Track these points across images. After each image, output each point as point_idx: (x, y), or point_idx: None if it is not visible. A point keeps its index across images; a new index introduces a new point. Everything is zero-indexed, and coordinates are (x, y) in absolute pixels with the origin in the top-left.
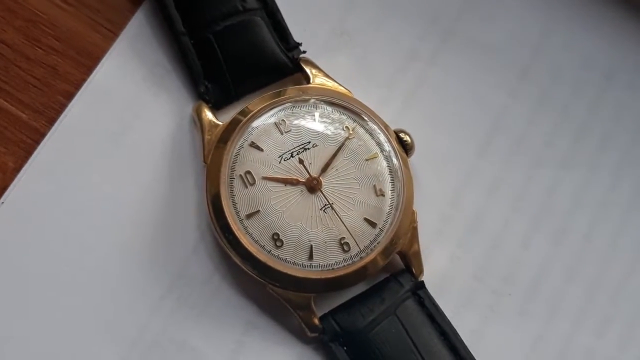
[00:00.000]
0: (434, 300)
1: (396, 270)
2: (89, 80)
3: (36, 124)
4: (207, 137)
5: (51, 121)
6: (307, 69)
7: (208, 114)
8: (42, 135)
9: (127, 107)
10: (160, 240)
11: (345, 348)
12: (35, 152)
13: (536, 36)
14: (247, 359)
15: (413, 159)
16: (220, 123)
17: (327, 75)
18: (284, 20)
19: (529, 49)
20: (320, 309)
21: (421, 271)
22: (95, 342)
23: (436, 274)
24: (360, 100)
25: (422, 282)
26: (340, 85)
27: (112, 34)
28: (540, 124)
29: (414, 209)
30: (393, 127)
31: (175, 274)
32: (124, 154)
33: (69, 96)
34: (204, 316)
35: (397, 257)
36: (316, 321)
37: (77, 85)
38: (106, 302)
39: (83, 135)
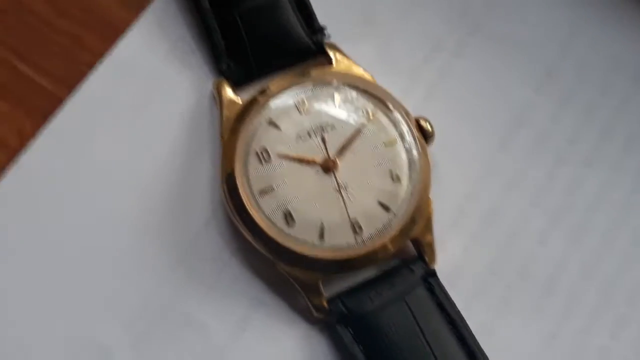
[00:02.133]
0: (445, 289)
1: (408, 257)
2: (112, 52)
3: (57, 92)
4: (225, 113)
5: (72, 90)
6: (331, 53)
7: (228, 91)
8: (62, 102)
9: (148, 80)
10: (172, 213)
11: (351, 330)
12: (54, 119)
13: (565, 35)
14: (252, 334)
15: (433, 149)
16: (240, 101)
17: (349, 60)
18: (310, 4)
19: (557, 47)
20: (329, 291)
21: (434, 260)
22: (101, 311)
23: (449, 264)
24: (382, 85)
25: (434, 270)
26: (362, 69)
27: (138, 8)
28: (565, 122)
29: (429, 197)
30: (414, 115)
31: (186, 248)
32: (142, 126)
33: (92, 67)
34: (212, 291)
35: (410, 245)
36: (323, 302)
37: (101, 57)
38: (114, 271)
39: (102, 105)
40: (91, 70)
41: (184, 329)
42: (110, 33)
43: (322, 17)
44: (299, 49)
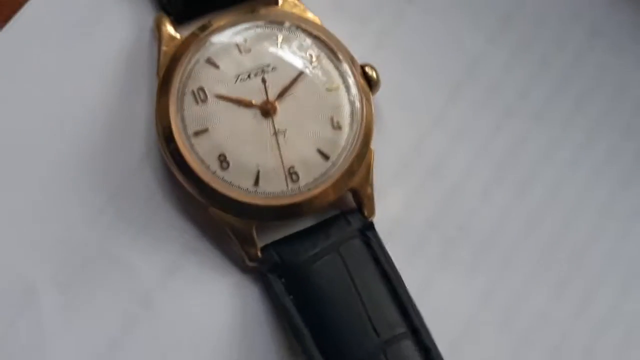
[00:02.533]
0: (382, 243)
1: (347, 208)
2: None
3: None
4: (164, 49)
5: (7, 19)
6: None
7: (168, 27)
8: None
9: (87, 11)
10: (105, 151)
11: (283, 280)
12: None
13: None
14: (182, 280)
15: (380, 99)
16: (179, 37)
17: (300, 1)
18: None
19: None
20: (263, 239)
21: (372, 212)
22: (29, 250)
23: (389, 217)
24: (330, 30)
25: (372, 222)
26: (310, 11)
27: None
28: (517, 73)
29: (371, 147)
30: (360, 62)
31: (117, 187)
32: (79, 59)
33: None
34: (142, 234)
35: (350, 195)
36: (256, 250)
37: None
38: (44, 210)
39: (39, 35)
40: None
41: (112, 271)
42: None
43: None
44: None
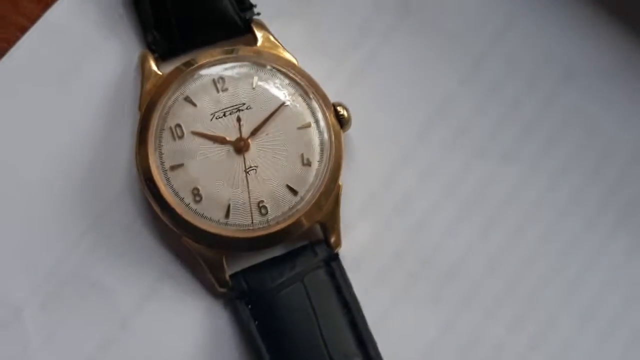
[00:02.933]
0: (345, 274)
1: (315, 239)
2: (44, 16)
3: None
4: (146, 86)
5: (3, 53)
6: (258, 32)
7: (151, 64)
8: None
9: (77, 47)
10: (89, 180)
11: (250, 307)
12: None
13: (498, 25)
14: (156, 304)
15: (351, 135)
16: (161, 73)
17: (275, 40)
18: None
19: (489, 37)
20: (233, 267)
21: (339, 244)
22: (14, 270)
23: (356, 248)
24: (305, 69)
25: (337, 254)
26: (287, 51)
27: None
28: (487, 114)
29: (339, 182)
30: (334, 100)
31: (99, 215)
32: (66, 93)
33: (24, 30)
34: (121, 259)
35: (318, 226)
36: (226, 278)
37: (34, 20)
38: (28, 232)
39: (30, 70)
40: (23, 34)
41: (90, 294)
42: None
43: None
44: (226, 25)
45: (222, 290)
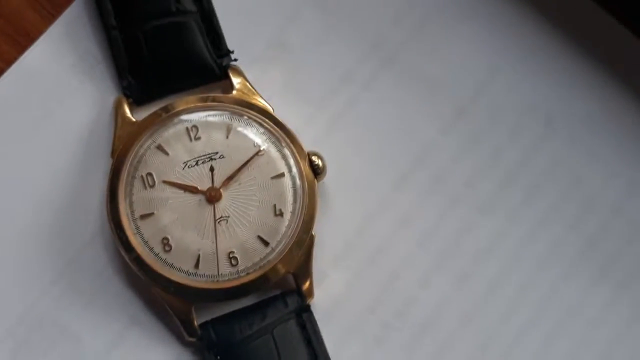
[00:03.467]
0: (316, 325)
1: (287, 290)
2: (20, 59)
3: None
4: (119, 132)
5: None
6: (234, 79)
7: (125, 109)
8: None
9: (52, 91)
10: (60, 226)
11: (218, 358)
12: None
13: (481, 74)
14: (124, 352)
15: (327, 183)
16: (135, 120)
17: (252, 88)
18: (219, 26)
19: (471, 86)
20: (203, 316)
21: (311, 295)
22: None
23: (329, 299)
24: (283, 116)
25: (308, 305)
26: (263, 99)
27: (50, 16)
28: (466, 164)
29: (313, 233)
30: (310, 148)
31: (70, 261)
32: (41, 136)
33: (0, 73)
34: (91, 305)
35: (291, 277)
36: (195, 327)
37: (9, 63)
38: None
39: (4, 113)
40: None
41: (59, 340)
42: (21, 38)
43: (234, 37)
44: (202, 72)
45: (191, 339)
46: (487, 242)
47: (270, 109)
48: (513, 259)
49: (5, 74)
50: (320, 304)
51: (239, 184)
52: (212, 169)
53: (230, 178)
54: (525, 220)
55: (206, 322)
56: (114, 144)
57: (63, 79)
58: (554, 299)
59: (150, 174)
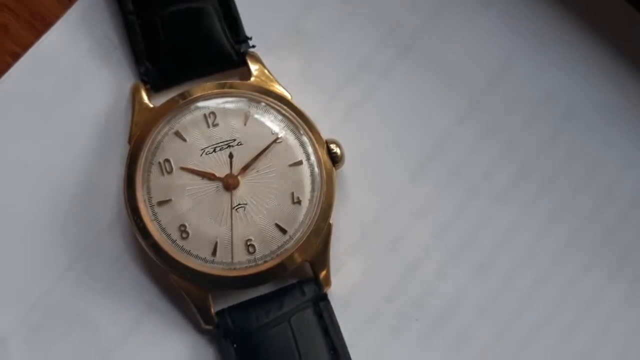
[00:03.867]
0: (333, 314)
1: (305, 278)
2: (36, 44)
3: None
4: (136, 118)
5: None
6: (251, 65)
7: (143, 96)
8: None
9: (68, 75)
10: (77, 212)
11: (235, 346)
12: None
13: (498, 63)
14: (140, 339)
15: (345, 172)
16: (152, 106)
17: (270, 75)
18: (236, 12)
19: (488, 75)
20: (219, 304)
21: (328, 283)
22: None
23: (346, 287)
24: (300, 104)
25: (325, 294)
26: (281, 86)
27: (67, 1)
28: (483, 154)
29: (330, 221)
30: (328, 136)
31: (86, 247)
32: (58, 122)
33: (16, 57)
34: (107, 292)
35: (308, 265)
36: (212, 315)
37: (26, 48)
38: (15, 262)
39: (21, 99)
40: (15, 60)
41: (75, 326)
42: (38, 23)
43: (252, 24)
44: (220, 58)
45: (208, 327)
46: (504, 233)
47: (288, 96)
48: (530, 250)
49: (22, 59)
50: (336, 292)
51: (257, 171)
52: (230, 156)
53: (248, 165)
54: (542, 211)
55: (223, 310)
56: (131, 130)
57: (80, 64)
58: (571, 291)
59: (167, 161)
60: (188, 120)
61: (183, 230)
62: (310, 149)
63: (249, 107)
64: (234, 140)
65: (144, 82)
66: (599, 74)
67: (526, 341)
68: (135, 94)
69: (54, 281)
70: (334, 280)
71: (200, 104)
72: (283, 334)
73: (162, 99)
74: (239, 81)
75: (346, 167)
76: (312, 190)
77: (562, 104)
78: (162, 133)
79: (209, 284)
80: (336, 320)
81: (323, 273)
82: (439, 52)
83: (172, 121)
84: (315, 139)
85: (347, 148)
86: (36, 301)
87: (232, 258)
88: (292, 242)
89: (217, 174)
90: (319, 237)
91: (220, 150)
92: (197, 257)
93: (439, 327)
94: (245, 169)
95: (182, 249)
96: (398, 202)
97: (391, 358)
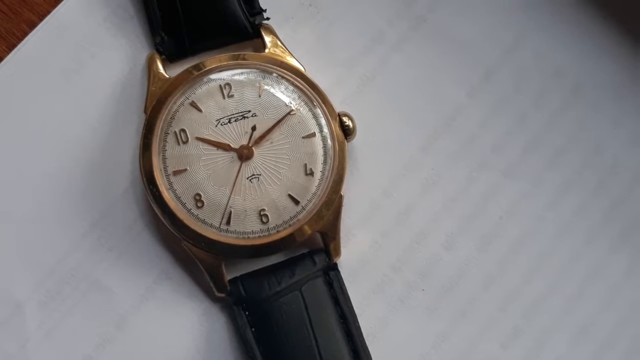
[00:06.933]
0: (343, 284)
1: (315, 248)
2: (53, 12)
3: None
4: (152, 88)
5: (11, 48)
6: (266, 37)
7: (158, 66)
8: (0, 60)
9: (84, 44)
10: (92, 179)
11: (246, 313)
12: None
13: (510, 38)
14: (154, 305)
15: (356, 143)
16: (168, 76)
17: (284, 47)
18: None
19: (500, 50)
20: (232, 272)
21: (338, 254)
22: (16, 266)
23: (355, 258)
24: (314, 76)
25: (335, 264)
26: (295, 59)
27: None
28: (493, 128)
29: (341, 193)
30: (340, 109)
31: (101, 214)
32: (73, 91)
33: (33, 26)
34: (121, 259)
35: (318, 235)
36: (224, 283)
37: (43, 16)
38: (31, 228)
39: (37, 65)
40: (32, 29)
41: (90, 292)
42: None
43: None
44: (235, 30)
45: (220, 295)
46: (512, 206)
47: (301, 68)
48: (537, 222)
49: (39, 27)
50: (346, 262)
51: (271, 142)
52: (254, 128)
53: (262, 136)
54: (549, 185)
55: (235, 278)
56: (147, 100)
57: (96, 33)
58: (576, 262)
59: (183, 130)
60: (204, 91)
61: (198, 199)
62: (323, 121)
63: (264, 78)
64: (249, 111)
65: (159, 53)
66: (609, 50)
67: (531, 311)
68: (151, 64)
69: (69, 248)
70: (343, 250)
71: (214, 75)
72: (294, 302)
73: (177, 69)
74: (253, 53)
75: (357, 139)
76: (325, 162)
77: (571, 79)
78: (177, 103)
79: (223, 252)
80: (346, 290)
81: (333, 243)
82: (452, 26)
83: (187, 92)
84: (329, 112)
85: (359, 120)
86: (52, 268)
87: (245, 227)
88: (304, 212)
89: (232, 145)
90: (330, 208)
91: (235, 121)
92: (211, 225)
93: (445, 297)
94: (259, 140)
95: (196, 217)
96: (408, 173)
97: (397, 325)
